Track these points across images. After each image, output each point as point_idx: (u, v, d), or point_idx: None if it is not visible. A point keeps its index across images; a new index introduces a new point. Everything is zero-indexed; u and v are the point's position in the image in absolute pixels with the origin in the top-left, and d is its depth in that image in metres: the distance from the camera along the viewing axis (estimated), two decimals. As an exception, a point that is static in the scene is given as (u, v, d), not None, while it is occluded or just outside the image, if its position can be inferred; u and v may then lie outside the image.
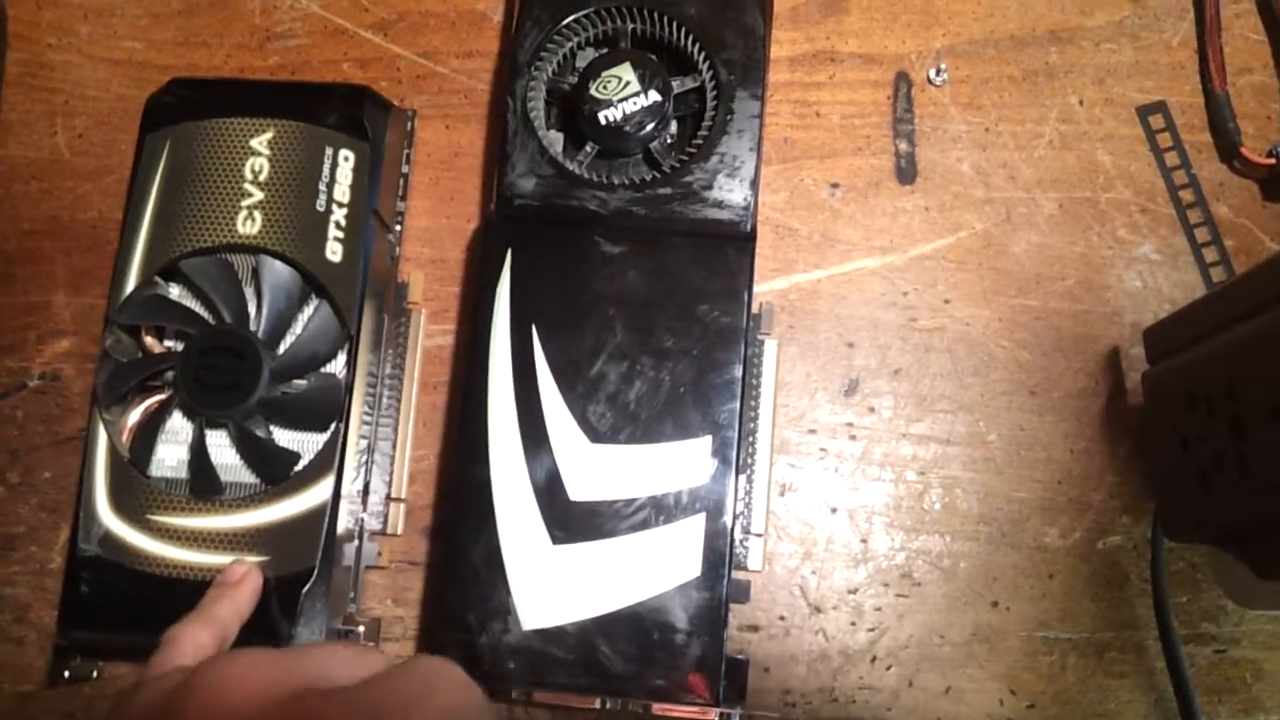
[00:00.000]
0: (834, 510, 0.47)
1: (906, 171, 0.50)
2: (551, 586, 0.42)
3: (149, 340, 0.46)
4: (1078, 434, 0.47)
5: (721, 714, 0.43)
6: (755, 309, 0.45)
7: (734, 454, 0.42)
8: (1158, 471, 0.45)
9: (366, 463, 0.46)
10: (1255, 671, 0.45)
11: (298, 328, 0.46)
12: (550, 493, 0.42)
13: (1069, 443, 0.47)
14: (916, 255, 0.49)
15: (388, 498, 0.46)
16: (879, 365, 0.48)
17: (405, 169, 0.50)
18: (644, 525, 0.42)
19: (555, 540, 0.42)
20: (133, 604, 0.43)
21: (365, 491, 0.46)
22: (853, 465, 0.47)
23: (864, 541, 0.46)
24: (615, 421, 0.43)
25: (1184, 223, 0.49)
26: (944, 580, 0.46)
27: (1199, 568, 0.46)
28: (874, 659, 0.45)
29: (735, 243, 0.44)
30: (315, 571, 0.42)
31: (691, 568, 0.42)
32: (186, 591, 0.42)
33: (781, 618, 0.46)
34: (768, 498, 0.45)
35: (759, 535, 0.45)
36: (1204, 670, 0.45)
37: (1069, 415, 0.47)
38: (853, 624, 0.46)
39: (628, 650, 0.41)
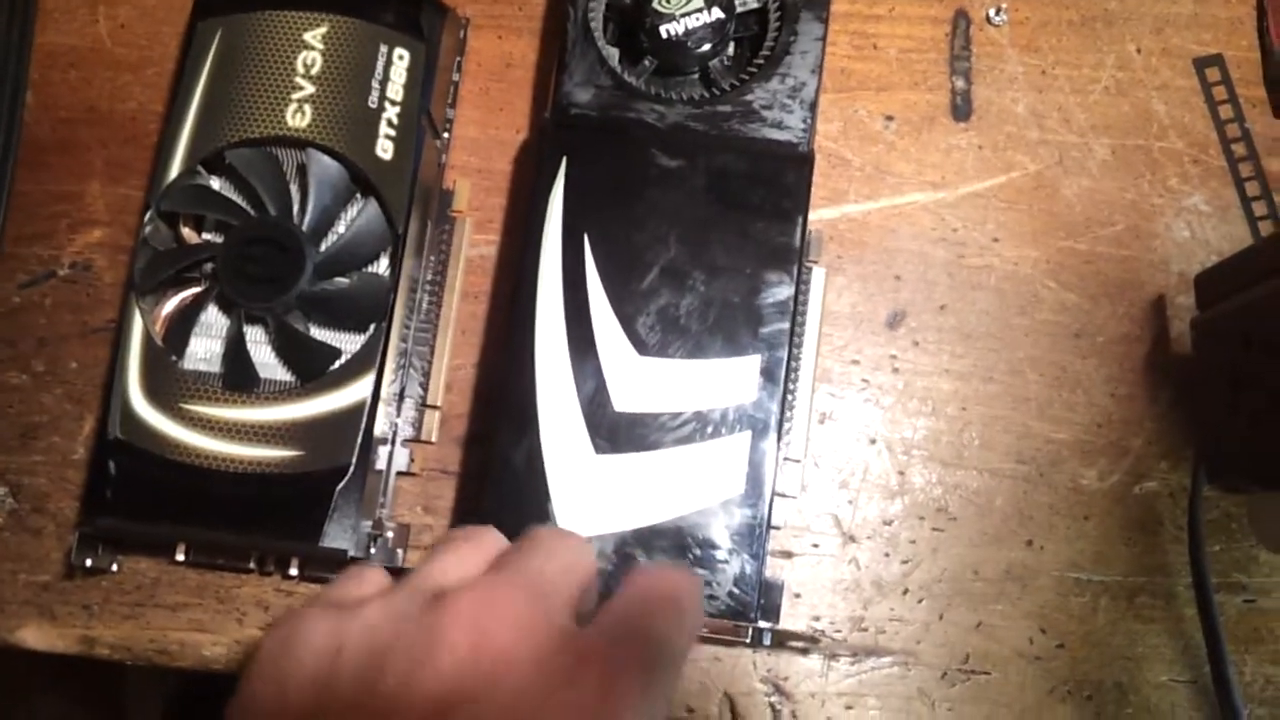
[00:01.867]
0: (873, 441, 0.46)
1: (962, 109, 0.49)
2: (592, 496, 0.41)
3: (187, 232, 0.45)
4: (1119, 379, 0.47)
5: (755, 630, 0.42)
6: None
7: (782, 374, 0.42)
8: (1204, 415, 0.45)
9: (404, 367, 0.45)
10: (1283, 623, 0.45)
11: (341, 226, 0.45)
12: (595, 402, 0.42)
13: (1110, 387, 0.47)
14: (968, 193, 0.48)
15: (423, 404, 0.46)
16: (925, 300, 0.47)
17: (456, 77, 0.49)
18: (688, 440, 0.42)
19: (598, 450, 0.41)
20: (160, 492, 0.42)
21: (400, 397, 0.45)
22: (894, 398, 0.47)
23: (901, 474, 0.46)
24: (664, 335, 0.42)
25: (1235, 176, 0.49)
26: (979, 516, 0.46)
27: (1234, 517, 0.46)
28: (905, 591, 0.45)
29: (793, 164, 0.44)
30: (351, 469, 0.41)
31: (734, 485, 0.41)
32: (214, 481, 0.41)
33: (815, 545, 0.45)
34: (808, 425, 0.45)
35: (797, 461, 0.45)
36: (1233, 619, 0.45)
37: (1111, 360, 0.47)
38: (886, 555, 0.45)
39: (667, 564, 0.41)
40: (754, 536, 0.41)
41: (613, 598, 0.33)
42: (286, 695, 0.30)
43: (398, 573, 0.43)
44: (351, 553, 0.41)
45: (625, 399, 0.42)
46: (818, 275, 0.46)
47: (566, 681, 0.29)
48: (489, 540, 0.35)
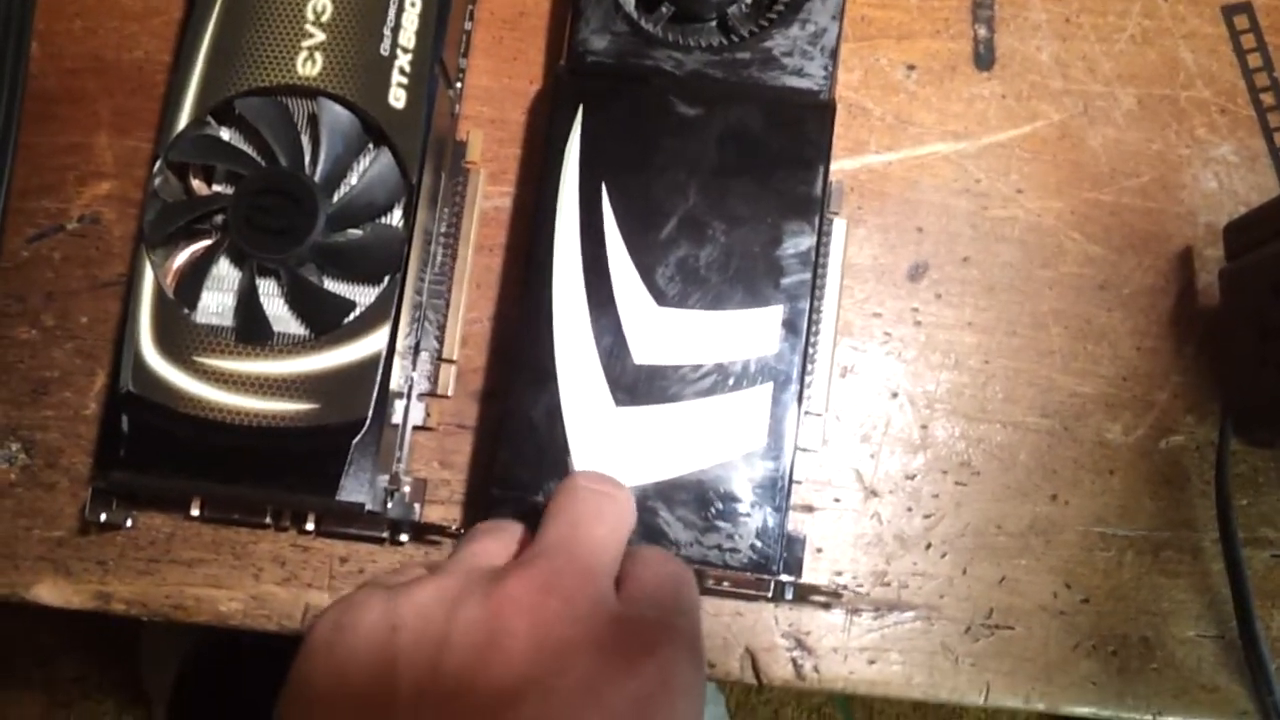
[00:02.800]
0: (894, 395, 0.46)
1: (984, 57, 0.48)
2: (612, 449, 0.40)
3: (197, 183, 0.45)
4: (1145, 331, 0.46)
5: (776, 584, 0.42)
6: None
7: (804, 325, 0.41)
8: (1231, 368, 0.45)
9: (419, 321, 0.44)
10: (1310, 578, 0.45)
11: (354, 177, 0.44)
12: (614, 354, 0.41)
13: (1136, 340, 0.46)
14: (990, 143, 0.48)
15: (438, 358, 0.45)
16: (947, 252, 0.47)
17: (468, 25, 0.48)
18: (709, 391, 0.41)
19: (618, 402, 0.41)
20: (173, 446, 0.41)
21: (415, 350, 0.44)
22: (916, 351, 0.46)
23: (924, 428, 0.45)
24: (684, 285, 0.42)
25: (1264, 125, 0.48)
26: (1003, 471, 0.45)
27: (1261, 471, 0.45)
28: (928, 545, 0.45)
29: (814, 112, 0.43)
30: (367, 422, 0.41)
31: (756, 438, 0.41)
32: (229, 435, 0.41)
33: (837, 500, 0.45)
34: (829, 379, 0.44)
35: (818, 415, 0.44)
36: (1260, 574, 0.45)
37: (1137, 312, 0.46)
38: (909, 509, 0.45)
39: (687, 516, 0.40)
40: (776, 490, 0.40)
41: (633, 569, 0.35)
42: (345, 678, 0.30)
43: (414, 528, 0.43)
44: (369, 506, 0.41)
45: (645, 351, 0.41)
46: (839, 227, 0.45)
47: (628, 670, 0.30)
48: (517, 529, 0.36)
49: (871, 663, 0.44)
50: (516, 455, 0.41)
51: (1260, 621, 0.43)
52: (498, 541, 0.35)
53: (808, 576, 0.43)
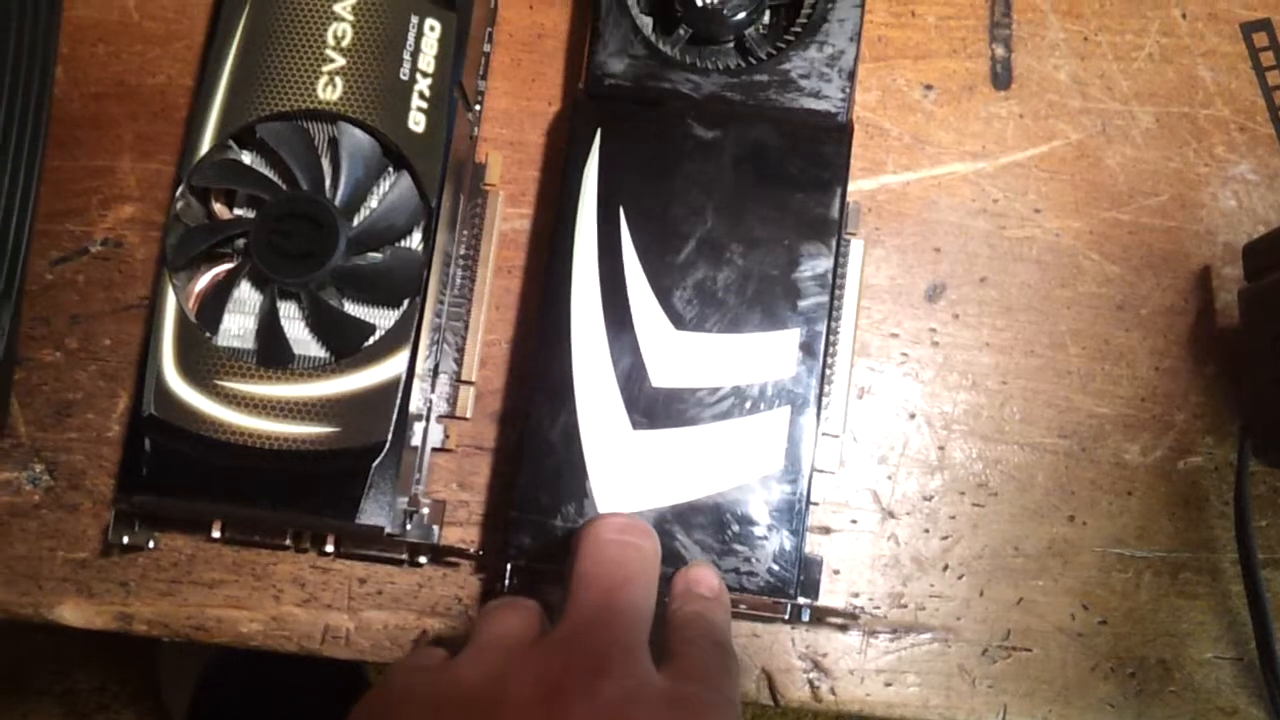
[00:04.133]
0: (912, 416, 0.46)
1: (1002, 77, 0.48)
2: (630, 472, 0.41)
3: (218, 207, 0.45)
4: (1164, 352, 0.46)
5: (793, 607, 0.42)
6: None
7: (822, 348, 0.41)
8: (1251, 389, 0.45)
9: (438, 343, 0.45)
10: (1331, 600, 0.45)
11: (374, 200, 0.44)
12: (632, 378, 0.41)
13: (1154, 360, 0.46)
14: (1008, 162, 0.48)
15: (457, 380, 0.45)
16: (965, 272, 0.47)
17: (487, 48, 0.48)
18: (726, 415, 0.41)
19: (635, 425, 0.41)
20: (195, 469, 0.41)
21: (435, 373, 0.45)
22: (933, 372, 0.46)
23: (941, 449, 0.45)
24: (701, 309, 0.42)
25: (1283, 144, 0.48)
26: (1020, 492, 0.45)
27: (1280, 492, 0.45)
28: (946, 567, 0.45)
29: (831, 134, 0.43)
30: (387, 445, 0.41)
31: (774, 461, 0.41)
32: (250, 458, 0.41)
33: (854, 521, 0.45)
34: (846, 399, 0.44)
35: (835, 436, 0.44)
36: (1279, 595, 0.44)
37: (1155, 332, 0.46)
38: (926, 531, 0.45)
39: (704, 540, 0.40)
40: (793, 512, 0.40)
41: (682, 648, 0.35)
42: None
43: (433, 551, 0.43)
44: (388, 529, 0.41)
45: (663, 374, 0.41)
46: (856, 247, 0.45)
47: None
48: (531, 604, 0.36)
49: (888, 684, 0.44)
50: (535, 478, 0.41)
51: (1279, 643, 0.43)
52: (517, 615, 0.35)
53: (825, 598, 0.44)
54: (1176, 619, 0.44)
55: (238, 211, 0.45)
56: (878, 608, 0.44)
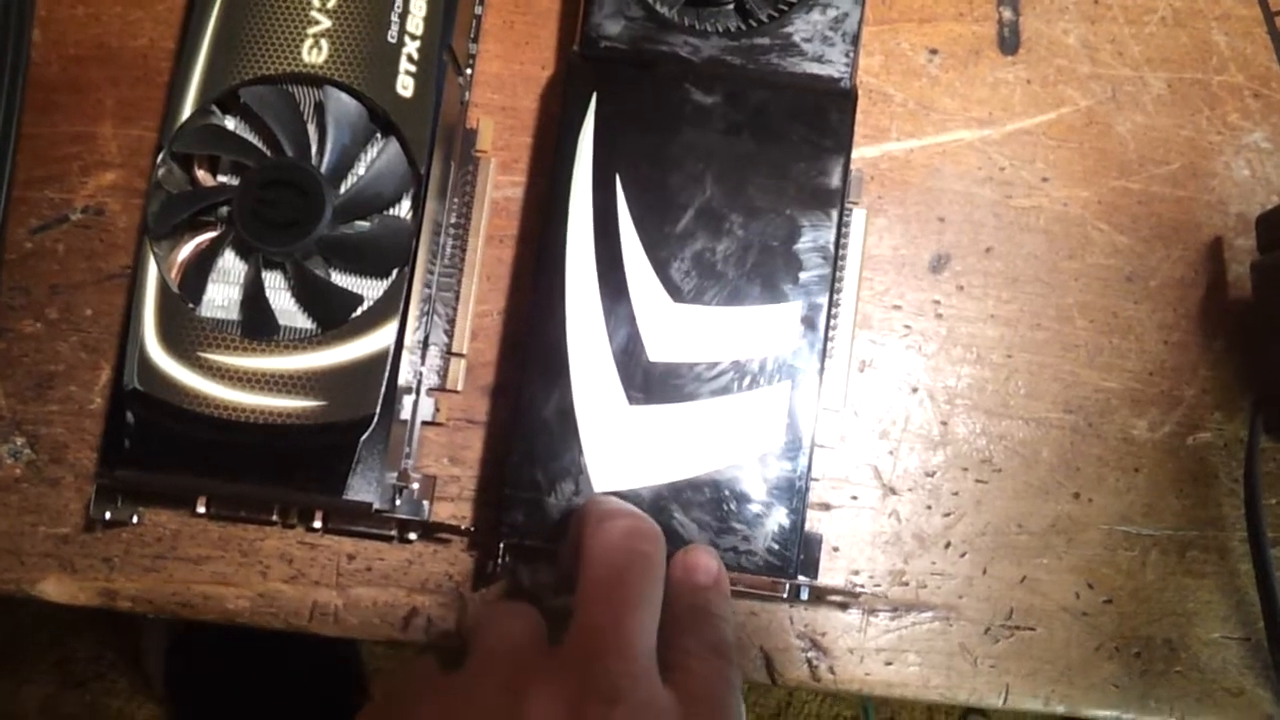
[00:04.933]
0: (914, 390, 0.45)
1: (1009, 41, 0.47)
2: (626, 448, 0.40)
3: (201, 174, 0.44)
4: (1173, 325, 0.45)
5: (792, 586, 0.41)
6: (847, 173, 0.43)
7: (823, 321, 0.40)
8: (1263, 364, 0.44)
9: (428, 314, 0.44)
10: (1340, 578, 0.44)
11: (361, 167, 0.43)
12: (628, 351, 0.40)
13: (1163, 333, 0.45)
14: (1015, 130, 0.46)
15: (448, 352, 0.44)
16: (970, 242, 0.45)
17: (478, 10, 0.47)
18: (725, 390, 0.40)
19: (632, 401, 0.40)
20: (179, 443, 0.40)
21: (425, 345, 0.44)
22: (936, 345, 0.45)
23: (944, 424, 0.44)
24: (700, 281, 0.41)
25: (1298, 111, 0.46)
26: (1025, 468, 0.44)
27: (1291, 468, 0.44)
28: (948, 544, 0.44)
29: (834, 99, 0.42)
30: (375, 419, 0.40)
31: (773, 437, 0.40)
32: (234, 432, 0.40)
33: (854, 497, 0.44)
34: (847, 373, 0.43)
35: (835, 411, 0.43)
36: (1288, 574, 0.44)
37: (1165, 305, 0.45)
38: (928, 507, 0.44)
39: (702, 518, 0.39)
40: (793, 490, 0.39)
41: (684, 661, 0.34)
42: None
43: (423, 527, 0.42)
44: (376, 505, 0.40)
45: (659, 348, 0.40)
46: (858, 217, 0.44)
47: None
48: (529, 610, 0.36)
49: (888, 664, 0.43)
50: (528, 455, 0.40)
51: (1288, 622, 0.42)
52: (519, 623, 0.35)
53: (824, 576, 0.43)
54: (1183, 598, 0.44)
55: (221, 179, 0.44)
56: (878, 586, 0.43)
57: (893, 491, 0.44)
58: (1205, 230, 0.46)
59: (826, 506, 0.44)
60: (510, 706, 0.31)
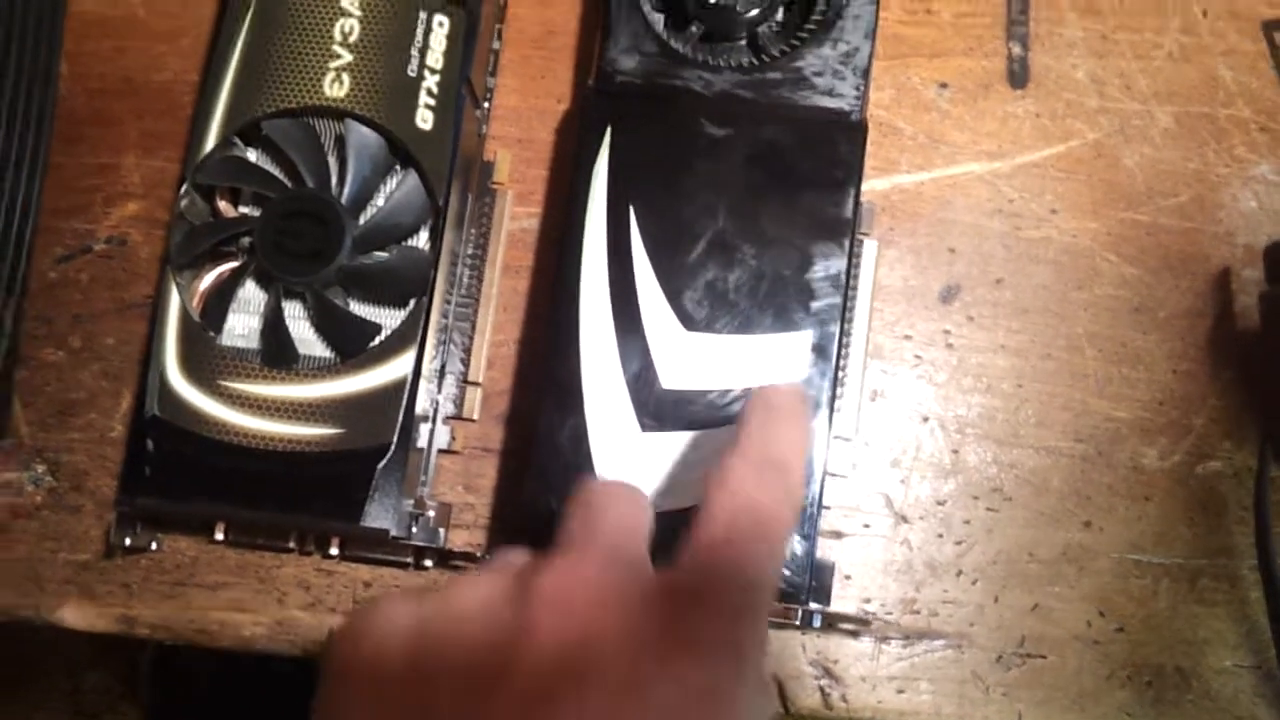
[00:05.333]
0: (925, 419, 0.45)
1: (1018, 75, 0.48)
2: (639, 475, 0.40)
3: (223, 205, 0.44)
4: (1182, 355, 0.45)
5: (804, 612, 0.41)
6: (858, 205, 0.43)
7: (834, 350, 0.41)
8: (1271, 393, 0.44)
9: (445, 343, 0.44)
10: (1352, 608, 0.44)
11: (381, 199, 0.44)
12: (641, 379, 0.41)
13: (1172, 363, 0.45)
14: (1024, 162, 0.47)
15: (464, 381, 0.45)
16: (980, 273, 0.46)
17: (496, 44, 0.48)
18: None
19: (645, 428, 0.40)
20: (198, 471, 0.41)
21: (441, 373, 0.44)
22: (947, 375, 0.45)
23: (955, 452, 0.45)
24: (712, 310, 0.41)
25: (1304, 144, 0.47)
26: (1035, 497, 0.44)
27: (1301, 498, 0.44)
28: (959, 572, 0.44)
29: (845, 132, 0.42)
30: (393, 447, 0.41)
31: (785, 464, 0.40)
32: (253, 460, 0.41)
33: (866, 525, 0.44)
34: (859, 403, 0.44)
35: (847, 440, 0.43)
36: (1299, 603, 0.44)
37: (1173, 335, 0.46)
38: (939, 536, 0.44)
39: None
40: (805, 516, 0.40)
41: (699, 518, 0.31)
42: (373, 680, 0.29)
43: (439, 554, 0.43)
44: (393, 532, 0.40)
45: (672, 376, 0.41)
46: (869, 248, 0.45)
47: (662, 671, 0.28)
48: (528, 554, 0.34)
49: (900, 692, 0.43)
50: (543, 481, 0.40)
51: (1300, 651, 0.42)
52: (516, 554, 0.34)
53: (836, 604, 0.43)
54: (1194, 627, 0.44)
55: (243, 210, 0.44)
56: (890, 613, 0.44)
57: (904, 520, 0.44)
58: (1213, 261, 0.46)
59: (839, 535, 0.44)
60: (473, 609, 0.29)
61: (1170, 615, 0.44)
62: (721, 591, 0.29)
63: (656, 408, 0.40)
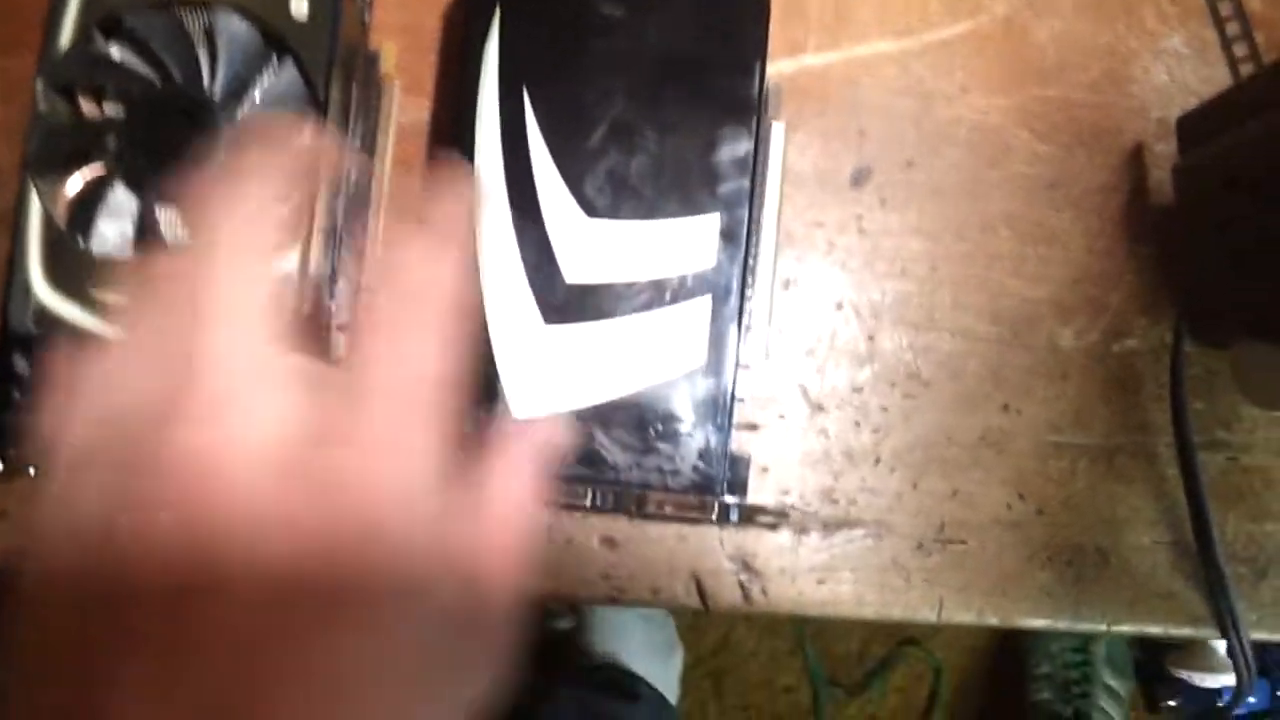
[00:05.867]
0: (839, 306, 0.44)
1: (925, -52, 0.46)
2: (544, 372, 0.38)
3: (86, 106, 0.41)
4: (1097, 232, 0.45)
5: (721, 506, 0.40)
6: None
7: (744, 234, 0.39)
8: (1186, 267, 0.43)
9: (333, 247, 0.42)
10: (1265, 479, 0.44)
11: (257, 94, 0.41)
12: (543, 271, 0.39)
13: (1087, 241, 0.45)
14: (934, 40, 0.45)
15: (359, 287, 0.42)
16: (891, 155, 0.44)
17: (375, -75, 0.45)
18: (645, 307, 0.39)
19: (548, 320, 0.39)
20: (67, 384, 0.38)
21: (333, 279, 0.42)
22: (860, 260, 0.44)
23: (870, 339, 0.44)
24: (615, 196, 0.39)
25: (1214, 15, 0.46)
26: (952, 381, 0.44)
27: (1215, 373, 0.44)
28: (877, 460, 0.43)
29: (748, 7, 0.40)
30: (281, 354, 0.38)
31: (696, 354, 0.39)
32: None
33: (781, 416, 0.43)
34: (771, 291, 0.42)
35: (760, 330, 0.42)
36: (1215, 478, 0.44)
37: (1089, 212, 0.45)
38: (856, 424, 0.43)
39: (625, 439, 0.38)
40: (718, 408, 0.38)
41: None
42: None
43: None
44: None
45: (575, 267, 0.39)
46: (777, 131, 0.43)
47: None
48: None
49: (821, 583, 0.42)
50: (442, 382, 0.38)
51: (1216, 525, 0.42)
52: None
53: (754, 497, 0.42)
54: (1113, 505, 0.43)
55: (107, 109, 0.41)
56: (809, 504, 0.43)
57: (820, 409, 0.43)
58: (1126, 136, 0.45)
59: (754, 427, 0.43)
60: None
61: (1089, 495, 0.43)
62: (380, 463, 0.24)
63: (560, 300, 0.39)
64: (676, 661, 1.12)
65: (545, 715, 0.95)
